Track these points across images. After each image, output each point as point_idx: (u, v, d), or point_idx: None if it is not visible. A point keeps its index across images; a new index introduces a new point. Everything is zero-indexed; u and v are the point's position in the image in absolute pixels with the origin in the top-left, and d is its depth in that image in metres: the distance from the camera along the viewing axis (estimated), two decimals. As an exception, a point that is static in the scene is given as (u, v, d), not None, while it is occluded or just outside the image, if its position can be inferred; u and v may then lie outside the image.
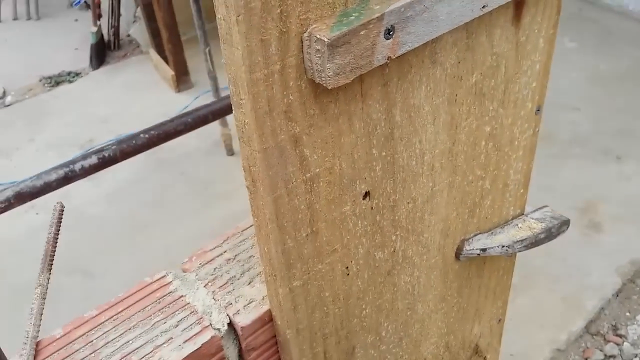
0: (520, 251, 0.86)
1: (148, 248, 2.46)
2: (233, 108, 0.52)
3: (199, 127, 1.36)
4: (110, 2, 3.54)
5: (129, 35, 3.79)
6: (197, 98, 3.14)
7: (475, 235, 0.84)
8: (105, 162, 1.25)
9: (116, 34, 3.64)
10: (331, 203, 0.61)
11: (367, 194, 0.64)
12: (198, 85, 3.25)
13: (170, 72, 3.16)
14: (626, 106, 2.97)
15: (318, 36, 0.47)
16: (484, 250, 0.83)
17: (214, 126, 2.88)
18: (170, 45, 3.04)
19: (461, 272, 0.87)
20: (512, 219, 0.89)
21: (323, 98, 0.54)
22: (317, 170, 0.58)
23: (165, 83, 3.28)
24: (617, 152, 2.73)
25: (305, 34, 0.49)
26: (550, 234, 0.89)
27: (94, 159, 1.25)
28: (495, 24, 0.65)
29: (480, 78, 0.68)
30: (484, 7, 0.59)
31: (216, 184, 2.76)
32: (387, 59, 0.52)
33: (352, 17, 0.49)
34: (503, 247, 0.84)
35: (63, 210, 0.81)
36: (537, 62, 0.75)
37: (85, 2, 4.27)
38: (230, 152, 2.85)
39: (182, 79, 3.18)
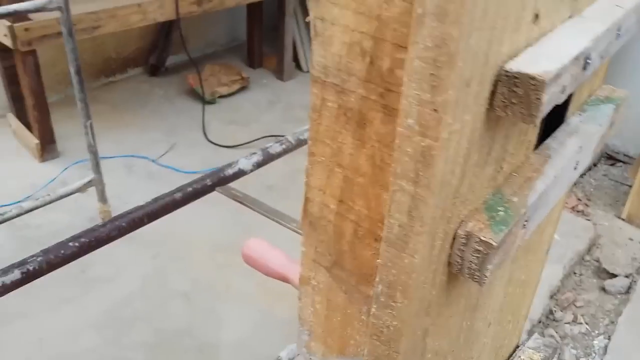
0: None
1: (18, 344, 2.14)
2: (375, 305, 0.47)
3: (133, 230, 1.23)
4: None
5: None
6: (66, 169, 2.87)
7: (492, 373, 0.85)
8: (29, 276, 1.07)
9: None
10: (426, 383, 0.57)
11: (448, 365, 0.62)
12: (65, 155, 2.97)
13: (34, 140, 2.86)
14: None
15: (483, 238, 0.45)
16: (502, 388, 0.83)
17: (88, 200, 2.64)
18: (35, 113, 2.75)
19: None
20: (514, 351, 0.91)
21: (451, 287, 0.51)
22: (429, 356, 0.54)
23: (26, 151, 2.95)
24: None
25: (461, 232, 0.46)
26: (545, 362, 0.92)
27: (16, 274, 1.06)
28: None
29: (531, 234, 0.70)
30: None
31: (95, 266, 2.51)
32: (517, 247, 0.51)
33: (501, 214, 0.48)
34: (517, 383, 0.85)
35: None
36: (557, 211, 0.79)
37: None
38: (107, 230, 2.62)
39: (47, 147, 2.89)
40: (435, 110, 0.37)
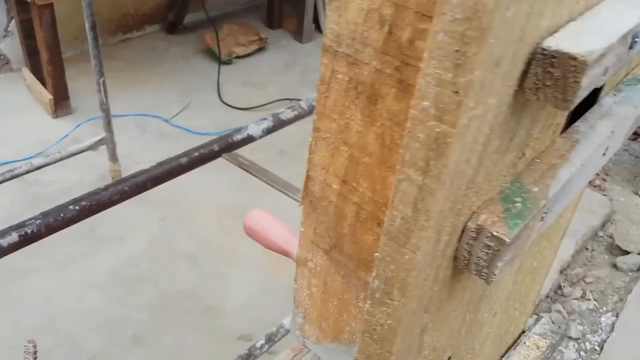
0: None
1: (25, 300, 2.15)
2: (369, 302, 0.43)
3: (135, 195, 1.20)
4: (-28, 7, 3.11)
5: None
6: (78, 126, 2.84)
7: (498, 362, 0.81)
8: (28, 239, 1.05)
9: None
10: (426, 380, 0.53)
11: (449, 359, 0.58)
12: (78, 112, 2.94)
13: (47, 95, 2.83)
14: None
15: (495, 233, 0.40)
16: (507, 379, 0.80)
17: (99, 158, 2.62)
18: (50, 68, 2.72)
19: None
20: (519, 337, 0.87)
21: (455, 281, 0.47)
22: (426, 352, 0.50)
23: (40, 106, 2.93)
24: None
25: (471, 224, 0.41)
26: (553, 350, 0.88)
27: (14, 237, 1.04)
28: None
29: (547, 221, 0.65)
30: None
31: (103, 225, 2.51)
32: (532, 241, 0.47)
33: (519, 205, 0.43)
34: (523, 374, 0.81)
35: (36, 351, 0.64)
36: (577, 195, 0.73)
37: None
38: (118, 188, 2.60)
39: (61, 104, 2.86)
40: (456, 92, 0.32)
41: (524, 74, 0.36)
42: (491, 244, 0.40)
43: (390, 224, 0.38)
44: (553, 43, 0.35)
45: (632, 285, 2.31)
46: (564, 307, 2.20)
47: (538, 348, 0.85)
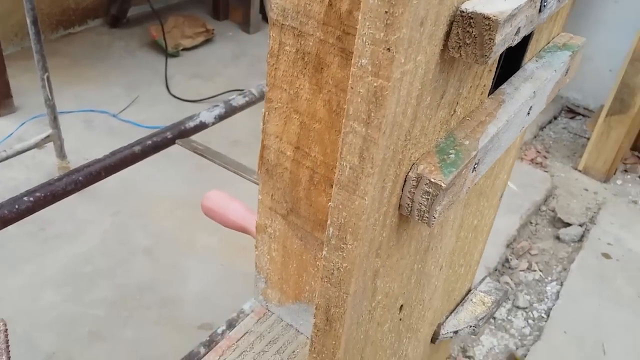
0: (481, 327, 0.90)
1: (-25, 303, 2.11)
2: (326, 248, 0.47)
3: (90, 184, 1.20)
4: None
5: None
6: (22, 124, 2.78)
7: (447, 317, 0.87)
8: (-19, 232, 1.04)
9: None
10: (379, 325, 0.58)
11: (401, 307, 0.63)
12: (22, 110, 2.88)
13: (-12, 93, 2.76)
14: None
15: (432, 179, 0.45)
16: (455, 332, 0.86)
17: (47, 156, 2.58)
18: (-10, 65, 2.65)
19: (431, 355, 0.89)
20: (466, 294, 0.93)
21: (401, 229, 0.51)
22: (380, 297, 0.55)
23: (-20, 105, 2.85)
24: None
25: (412, 174, 0.46)
26: (497, 306, 0.95)
27: (-34, 230, 1.03)
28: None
29: (484, 179, 0.71)
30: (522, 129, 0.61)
31: (54, 224, 2.47)
32: (467, 190, 0.52)
33: (452, 156, 0.48)
34: (470, 326, 0.87)
35: (7, 329, 0.66)
36: (512, 157, 0.80)
37: None
38: (67, 186, 2.57)
39: (3, 102, 2.79)
40: (388, 49, 0.37)
41: (447, 34, 0.41)
42: (430, 190, 0.45)
43: (340, 174, 0.42)
44: (470, 6, 0.41)
45: (574, 255, 2.44)
46: (511, 279, 2.31)
47: (484, 304, 0.91)
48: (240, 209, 0.95)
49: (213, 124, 1.39)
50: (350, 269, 0.46)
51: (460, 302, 0.91)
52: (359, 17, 0.37)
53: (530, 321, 2.21)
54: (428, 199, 0.46)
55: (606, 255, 2.39)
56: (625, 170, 2.94)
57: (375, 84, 0.38)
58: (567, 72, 0.66)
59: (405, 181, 0.46)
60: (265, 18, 3.79)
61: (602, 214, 2.62)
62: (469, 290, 0.94)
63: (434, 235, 0.61)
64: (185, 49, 3.42)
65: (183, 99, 3.07)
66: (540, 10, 0.45)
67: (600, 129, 2.67)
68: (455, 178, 0.46)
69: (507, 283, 2.27)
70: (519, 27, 0.42)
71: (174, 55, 3.36)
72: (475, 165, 0.50)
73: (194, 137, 1.37)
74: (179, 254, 2.30)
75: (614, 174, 2.86)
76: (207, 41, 3.53)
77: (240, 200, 0.98)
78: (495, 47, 0.39)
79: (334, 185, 0.44)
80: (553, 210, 2.65)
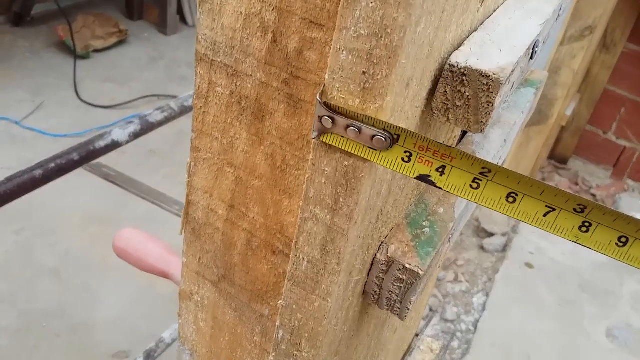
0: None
1: None
2: (273, 354, 0.37)
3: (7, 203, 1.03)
4: None
5: None
6: None
7: (395, 371, 0.79)
8: None
9: None
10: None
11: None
12: None
13: None
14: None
15: (407, 265, 0.36)
16: (405, 387, 0.78)
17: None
18: None
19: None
20: (413, 340, 0.86)
21: (363, 314, 0.42)
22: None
23: None
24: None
25: (381, 257, 0.37)
26: (446, 351, 0.88)
27: None
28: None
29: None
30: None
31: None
32: (439, 266, 0.44)
33: (427, 230, 0.39)
34: (419, 380, 0.80)
35: None
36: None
37: None
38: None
39: None
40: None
41: (431, 92, 0.33)
42: (403, 277, 0.37)
43: (295, 269, 0.33)
44: (462, 59, 0.32)
45: (498, 265, 2.46)
46: (439, 291, 2.29)
47: (432, 351, 0.84)
48: (160, 251, 0.83)
49: (127, 142, 1.25)
50: (305, 379, 0.37)
51: (408, 350, 0.84)
52: (326, 76, 0.28)
53: (458, 334, 2.20)
54: (401, 287, 0.37)
55: (529, 265, 2.43)
56: (543, 179, 3.02)
57: (346, 162, 0.29)
58: (530, 111, 0.60)
59: (372, 264, 0.37)
60: (183, 19, 3.62)
61: (524, 224, 2.67)
62: (416, 335, 0.87)
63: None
64: (96, 51, 3.20)
65: (94, 104, 2.86)
66: (531, 57, 0.37)
67: (519, 140, 2.71)
68: (432, 260, 0.38)
69: (435, 295, 2.25)
70: (514, 83, 0.34)
71: (84, 57, 3.13)
72: (451, 237, 0.42)
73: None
74: (91, 275, 2.11)
75: (533, 183, 2.92)
76: (120, 42, 3.32)
77: (159, 238, 0.87)
78: (494, 112, 0.31)
79: (286, 281, 0.34)
80: (477, 220, 2.67)
